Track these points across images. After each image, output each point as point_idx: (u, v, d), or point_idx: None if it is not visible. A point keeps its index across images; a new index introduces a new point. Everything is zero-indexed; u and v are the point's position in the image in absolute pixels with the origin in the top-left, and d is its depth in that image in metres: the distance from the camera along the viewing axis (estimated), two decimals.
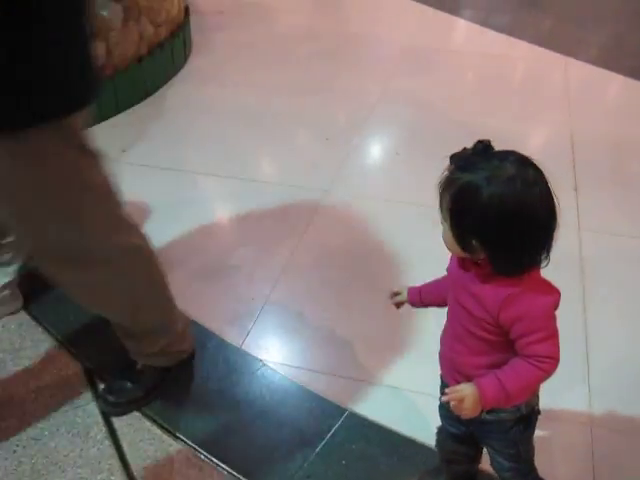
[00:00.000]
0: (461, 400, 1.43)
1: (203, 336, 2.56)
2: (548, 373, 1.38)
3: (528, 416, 1.58)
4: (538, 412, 1.61)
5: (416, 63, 4.95)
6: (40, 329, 2.63)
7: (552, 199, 1.32)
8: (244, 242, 3.08)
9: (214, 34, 5.32)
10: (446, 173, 1.39)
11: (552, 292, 1.39)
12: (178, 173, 3.61)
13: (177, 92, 4.52)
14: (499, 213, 1.29)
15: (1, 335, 2.60)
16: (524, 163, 1.32)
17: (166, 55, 4.58)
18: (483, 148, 1.34)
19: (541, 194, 1.30)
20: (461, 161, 1.37)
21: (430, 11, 5.91)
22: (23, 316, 2.68)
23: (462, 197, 1.35)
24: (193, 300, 2.68)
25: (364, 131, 4.05)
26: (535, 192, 1.30)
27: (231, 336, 2.57)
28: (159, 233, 3.21)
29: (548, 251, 1.35)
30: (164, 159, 3.70)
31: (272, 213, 3.27)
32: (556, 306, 1.39)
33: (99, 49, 3.96)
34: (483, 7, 6.14)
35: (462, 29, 5.81)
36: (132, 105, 4.29)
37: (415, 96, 4.42)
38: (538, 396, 1.59)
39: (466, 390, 1.44)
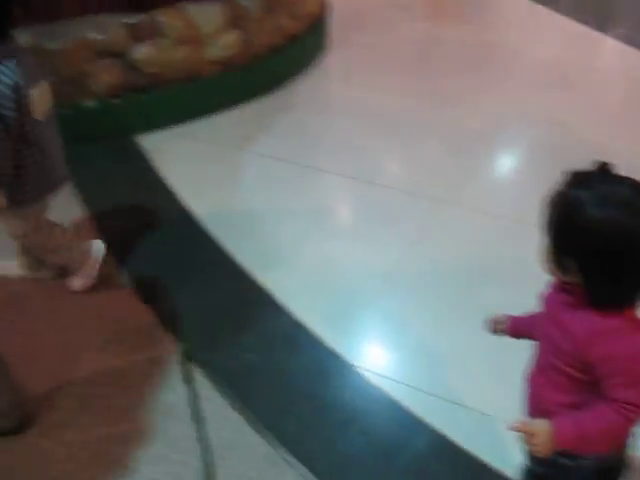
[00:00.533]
0: (533, 435, 1.33)
1: (298, 331, 2.54)
2: (632, 422, 1.28)
3: (614, 468, 1.45)
4: (627, 466, 1.47)
5: (553, 79, 4.74)
6: (144, 305, 2.69)
7: None
8: (352, 242, 3.05)
9: (352, 34, 5.31)
10: (558, 187, 1.31)
11: None
12: (295, 166, 3.64)
13: (308, 87, 4.54)
14: (603, 236, 1.19)
15: (104, 306, 2.67)
16: None
17: (301, 49, 4.62)
18: (602, 169, 1.26)
19: None
20: (576, 177, 1.29)
21: (574, 25, 5.66)
22: (130, 292, 2.75)
23: (566, 212, 1.27)
24: (294, 293, 2.70)
25: (492, 145, 3.93)
26: None
27: (326, 336, 2.56)
28: (269, 221, 3.28)
29: None
30: (283, 151, 3.74)
31: (385, 217, 3.22)
32: None
33: (235, 37, 4.03)
34: (633, 26, 5.82)
35: (607, 47, 5.52)
36: (263, 95, 4.34)
37: (549, 113, 4.24)
38: (628, 448, 1.44)
39: (540, 426, 1.34)
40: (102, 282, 2.81)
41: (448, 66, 4.89)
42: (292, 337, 2.55)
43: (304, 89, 4.50)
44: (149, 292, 2.76)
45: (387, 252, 2.98)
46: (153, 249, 3.02)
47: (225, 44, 4.00)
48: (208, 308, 2.66)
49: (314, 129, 4.03)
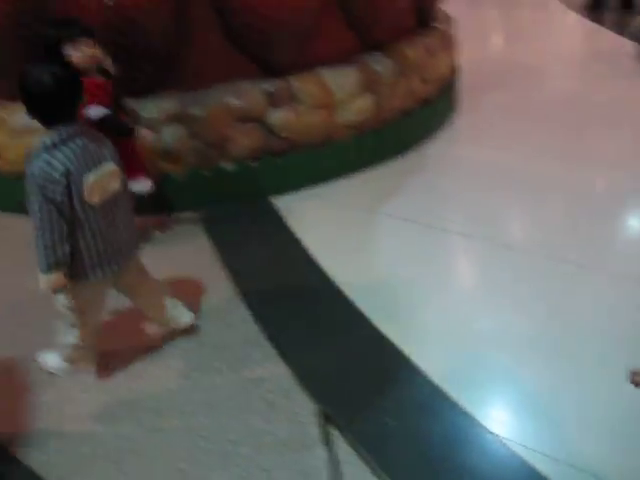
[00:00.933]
0: None
1: (435, 395, 2.48)
2: None
3: None
4: None
5: None
6: (283, 363, 2.68)
7: None
8: (486, 306, 2.96)
9: (481, 95, 5.29)
10: None
11: None
12: (426, 228, 3.60)
13: (438, 149, 4.53)
14: None
15: (243, 362, 2.69)
16: None
17: (432, 112, 4.62)
18: None
19: None
20: None
21: None
22: (270, 350, 2.75)
23: None
24: (431, 357, 2.64)
25: (632, 205, 3.75)
26: None
27: (463, 401, 2.46)
28: (403, 285, 3.22)
29: None
30: (414, 212, 3.73)
31: (519, 279, 3.12)
32: None
33: (368, 102, 4.09)
34: None
35: None
36: (394, 158, 4.35)
37: None
38: None
39: None
40: (241, 339, 2.82)
41: (580, 124, 4.71)
42: (429, 402, 2.47)
43: (435, 151, 4.49)
44: (287, 351, 2.74)
45: (523, 317, 2.86)
46: (290, 309, 3.03)
47: (358, 109, 4.05)
48: (345, 370, 2.63)
49: (445, 191, 4.00)
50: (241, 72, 3.86)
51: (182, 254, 3.51)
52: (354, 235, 3.60)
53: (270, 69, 3.86)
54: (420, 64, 4.39)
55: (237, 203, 3.88)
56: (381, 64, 4.15)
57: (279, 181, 3.96)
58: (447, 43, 4.73)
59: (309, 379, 2.60)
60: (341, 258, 3.36)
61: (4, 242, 3.75)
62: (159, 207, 3.84)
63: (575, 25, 7.81)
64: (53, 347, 2.65)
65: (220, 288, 3.20)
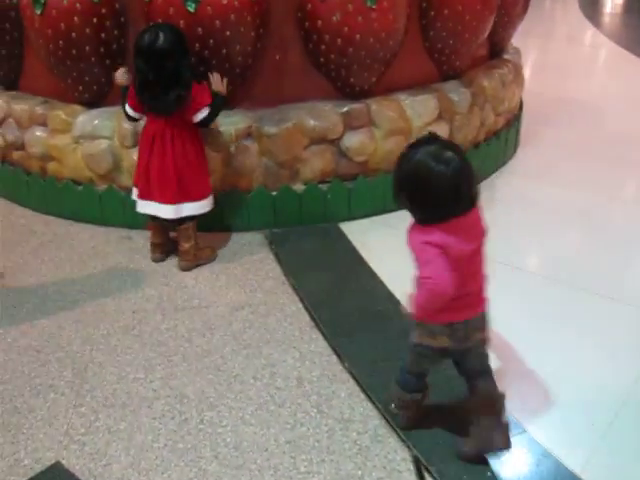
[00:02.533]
0: None
1: (539, 454, 2.31)
2: (431, 291, 1.95)
3: (414, 346, 2.15)
4: (425, 352, 2.16)
5: None
6: (370, 405, 2.53)
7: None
8: (575, 361, 2.78)
9: (542, 128, 5.17)
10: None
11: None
12: (500, 266, 3.41)
13: (505, 183, 4.40)
14: (414, 175, 1.95)
15: (332, 402, 2.54)
16: None
17: (500, 144, 4.49)
18: (431, 136, 2.03)
19: None
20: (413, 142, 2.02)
21: None
22: (354, 387, 2.60)
23: (398, 161, 2.04)
24: (530, 408, 2.49)
25: None
26: None
27: (568, 460, 2.29)
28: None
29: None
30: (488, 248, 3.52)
31: (607, 330, 2.95)
32: (431, 243, 1.92)
33: (442, 131, 3.95)
34: None
35: None
36: None
37: None
38: (434, 338, 2.09)
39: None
40: (320, 372, 2.71)
41: None
42: (531, 455, 2.30)
43: (502, 186, 4.38)
44: (371, 388, 2.60)
45: (620, 371, 2.67)
46: (370, 341, 2.88)
47: None
48: (435, 410, 2.46)
49: (516, 228, 3.84)
50: (318, 92, 3.74)
51: (250, 278, 3.39)
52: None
53: (348, 91, 3.74)
54: (494, 95, 4.26)
55: (304, 226, 3.72)
56: (457, 93, 4.01)
57: (349, 206, 3.82)
58: (518, 75, 4.59)
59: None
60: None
61: (63, 249, 3.60)
62: (222, 224, 3.68)
63: (619, 59, 7.68)
64: None
65: (293, 316, 3.06)
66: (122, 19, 3.57)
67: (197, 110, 3.13)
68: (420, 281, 1.96)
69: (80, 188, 3.82)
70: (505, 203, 4.13)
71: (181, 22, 3.32)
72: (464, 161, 1.90)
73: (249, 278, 3.34)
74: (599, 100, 5.98)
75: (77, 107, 3.81)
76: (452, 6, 3.77)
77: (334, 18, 3.45)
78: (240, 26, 3.36)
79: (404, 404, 2.32)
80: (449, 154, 1.88)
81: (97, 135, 3.68)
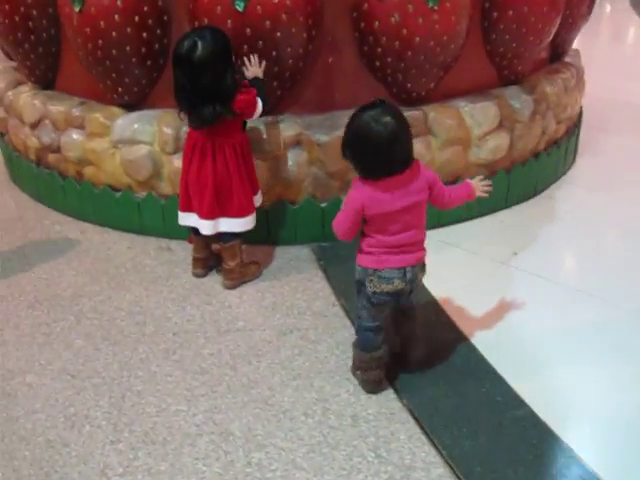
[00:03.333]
0: None
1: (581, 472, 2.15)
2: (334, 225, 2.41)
3: (371, 296, 2.41)
4: (383, 299, 2.42)
5: None
6: (433, 450, 2.28)
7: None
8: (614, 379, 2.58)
9: (600, 135, 4.90)
10: None
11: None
12: (562, 288, 3.20)
13: (566, 195, 4.14)
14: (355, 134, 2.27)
15: (391, 445, 2.30)
16: None
17: (560, 153, 4.22)
18: (378, 100, 2.32)
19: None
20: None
21: None
22: (415, 428, 2.36)
23: (347, 123, 2.36)
24: (585, 439, 2.29)
25: None
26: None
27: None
28: (549, 356, 2.75)
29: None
30: (548, 268, 3.34)
31: None
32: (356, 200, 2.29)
33: (503, 140, 3.68)
34: None
35: None
36: (521, 202, 3.94)
37: None
38: (376, 282, 2.38)
39: None
40: (378, 410, 2.49)
41: None
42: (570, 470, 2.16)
43: (562, 198, 4.12)
44: (434, 431, 2.39)
45: None
46: (430, 376, 2.67)
47: (494, 147, 3.66)
48: (498, 453, 2.27)
49: (578, 245, 3.63)
50: (371, 97, 3.44)
51: (298, 297, 3.18)
52: (483, 287, 3.21)
53: (404, 97, 3.49)
54: (557, 102, 3.98)
55: (354, 240, 3.45)
56: (519, 100, 3.74)
57: None
58: (580, 80, 4.30)
59: (463, 468, 2.23)
60: (472, 313, 3.02)
61: (100, 260, 3.39)
62: (268, 237, 3.46)
63: None
64: None
65: (345, 343, 2.82)
66: (165, 17, 3.36)
67: (244, 113, 2.91)
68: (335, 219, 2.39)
69: (118, 195, 3.62)
70: (569, 218, 3.88)
71: (228, 22, 3.09)
72: (401, 125, 2.21)
73: (297, 298, 3.11)
74: None
75: (116, 110, 3.61)
76: (517, 7, 3.50)
77: (392, 19, 3.19)
78: (292, 27, 3.12)
79: (366, 365, 2.49)
80: (388, 118, 2.18)
81: (137, 140, 3.48)
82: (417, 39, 3.25)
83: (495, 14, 3.53)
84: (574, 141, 4.38)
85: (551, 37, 3.83)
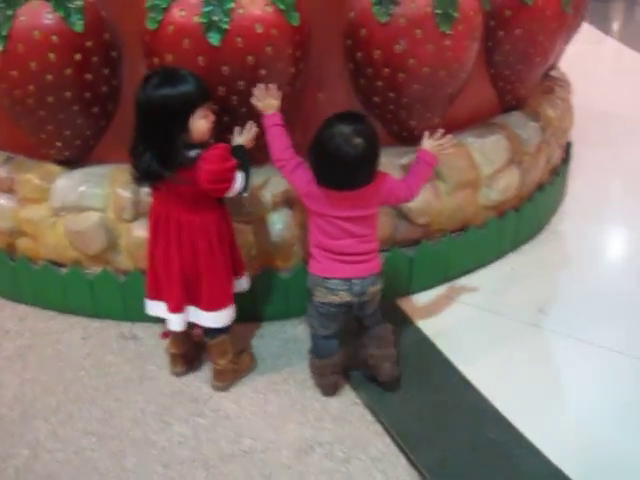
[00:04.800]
0: None
1: None
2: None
3: (319, 306, 2.42)
4: (329, 310, 2.40)
5: None
6: None
7: None
8: None
9: (583, 150, 4.40)
10: None
11: None
12: (596, 348, 2.77)
13: (571, 228, 3.76)
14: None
15: None
16: None
17: (560, 181, 3.78)
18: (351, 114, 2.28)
19: None
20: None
21: None
22: None
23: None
24: None
25: None
26: None
27: None
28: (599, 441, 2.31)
29: None
30: (574, 324, 2.91)
31: None
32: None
33: (515, 177, 3.18)
34: None
35: None
36: (529, 241, 3.50)
37: None
38: (323, 292, 2.37)
39: None
40: None
41: None
42: None
43: (568, 231, 3.71)
44: None
45: None
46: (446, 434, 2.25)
47: (505, 186, 3.16)
48: None
49: (598, 292, 3.16)
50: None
51: (308, 396, 2.61)
52: (509, 353, 2.78)
53: (405, 135, 2.95)
54: (559, 126, 3.53)
55: None
56: (526, 129, 3.25)
57: (409, 278, 3.04)
58: (568, 95, 3.84)
59: None
60: (507, 387, 2.57)
61: (49, 359, 2.69)
62: (255, 313, 2.84)
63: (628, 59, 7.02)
64: None
65: (384, 459, 2.31)
66: (114, 54, 2.66)
67: (212, 189, 2.23)
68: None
69: (64, 272, 2.89)
70: (576, 256, 3.50)
71: (199, 59, 2.45)
72: (370, 150, 2.16)
73: (307, 396, 2.53)
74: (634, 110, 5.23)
75: (53, 168, 2.92)
76: (526, 24, 3.01)
77: (397, 47, 2.62)
78: (278, 61, 2.52)
79: (318, 371, 2.49)
80: (359, 140, 2.13)
81: (84, 206, 2.80)
82: (426, 70, 2.70)
83: (501, 33, 3.02)
84: (568, 162, 3.91)
85: (554, 56, 3.32)
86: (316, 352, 2.49)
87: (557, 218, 3.79)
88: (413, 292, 3.10)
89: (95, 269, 2.93)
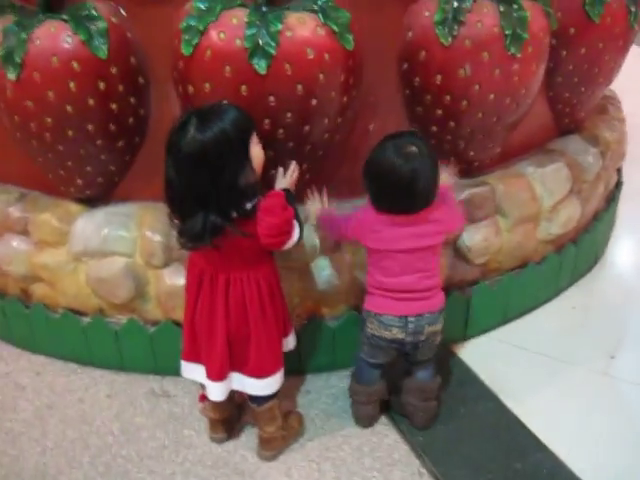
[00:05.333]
0: None
1: None
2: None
3: (369, 337, 2.28)
4: (379, 343, 2.27)
5: None
6: None
7: None
8: None
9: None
10: None
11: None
12: None
13: (627, 258, 3.52)
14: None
15: None
16: None
17: (614, 206, 3.49)
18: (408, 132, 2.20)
19: None
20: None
21: None
22: None
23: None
24: None
25: None
26: None
27: None
28: None
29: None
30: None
31: None
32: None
33: (576, 208, 2.89)
34: None
35: None
36: (585, 274, 3.30)
37: None
38: (375, 325, 2.22)
39: None
40: None
41: None
42: None
43: (623, 261, 3.45)
44: None
45: None
46: None
47: (566, 219, 2.87)
48: None
49: None
50: None
51: (366, 465, 2.33)
52: (582, 406, 2.49)
53: (464, 167, 2.63)
54: (617, 150, 3.23)
55: None
56: (586, 154, 2.95)
57: (465, 323, 2.76)
58: (622, 115, 3.55)
59: None
60: (585, 449, 2.28)
61: (71, 421, 2.38)
62: (299, 365, 2.59)
63: None
64: None
65: None
66: (141, 80, 2.35)
67: (270, 244, 1.92)
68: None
69: (86, 321, 2.58)
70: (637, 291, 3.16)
71: (242, 89, 2.15)
72: (423, 159, 2.03)
73: (365, 466, 2.26)
74: None
75: (73, 206, 2.61)
76: (591, 43, 2.72)
77: (462, 72, 2.33)
78: (331, 90, 2.21)
79: (358, 397, 2.37)
80: (412, 149, 2.03)
81: (108, 251, 2.47)
82: (491, 97, 2.39)
83: (564, 52, 2.73)
84: (621, 188, 3.62)
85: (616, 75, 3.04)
86: (357, 376, 2.39)
87: (610, 247, 3.47)
88: (470, 337, 2.80)
89: (120, 318, 2.61)
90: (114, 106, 2.36)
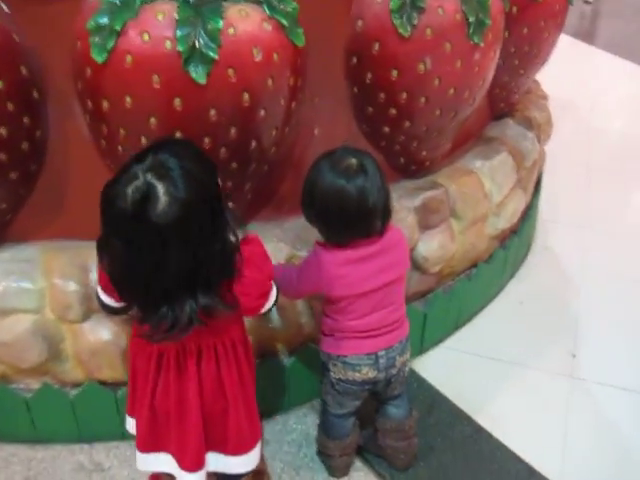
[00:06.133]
0: None
1: None
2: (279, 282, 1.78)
3: (335, 383, 1.94)
4: (348, 389, 1.94)
5: None
6: None
7: None
8: None
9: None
10: None
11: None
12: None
13: (557, 240, 3.38)
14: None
15: None
16: None
17: (539, 190, 3.34)
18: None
19: None
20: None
21: None
22: None
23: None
24: None
25: None
26: None
27: None
28: None
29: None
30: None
31: None
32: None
33: (520, 200, 2.77)
34: None
35: None
36: (522, 262, 3.20)
37: None
38: (340, 368, 1.91)
39: None
40: None
41: None
42: None
43: (555, 244, 3.32)
44: None
45: None
46: None
47: (513, 211, 2.71)
48: None
49: (620, 324, 2.80)
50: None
51: None
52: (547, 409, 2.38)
53: (413, 168, 2.38)
54: (547, 131, 3.06)
55: None
56: (525, 141, 2.76)
57: (421, 337, 2.55)
58: (544, 92, 3.44)
59: None
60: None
61: None
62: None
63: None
64: None
65: None
66: (35, 95, 1.86)
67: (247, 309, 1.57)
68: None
69: None
70: (579, 276, 3.08)
71: (176, 103, 1.74)
72: (374, 179, 1.75)
73: None
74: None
75: None
76: (533, 22, 2.51)
77: (421, 66, 2.02)
78: (280, 97, 1.85)
79: (330, 452, 2.08)
80: (359, 179, 1.74)
81: (9, 308, 1.99)
82: (451, 91, 2.10)
83: (506, 34, 2.47)
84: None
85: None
86: (326, 431, 2.08)
87: (540, 230, 3.35)
88: (425, 350, 2.55)
89: (30, 382, 2.12)
90: (2, 130, 1.85)
